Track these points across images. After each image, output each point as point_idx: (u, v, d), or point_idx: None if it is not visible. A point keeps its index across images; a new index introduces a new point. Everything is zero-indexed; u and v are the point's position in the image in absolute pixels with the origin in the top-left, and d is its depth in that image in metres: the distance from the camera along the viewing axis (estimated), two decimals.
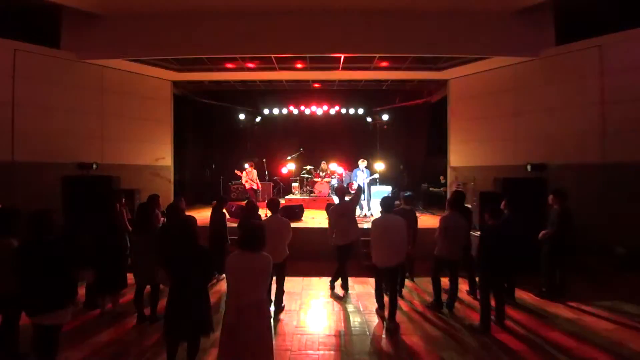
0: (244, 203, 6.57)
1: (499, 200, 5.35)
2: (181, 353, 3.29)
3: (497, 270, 4.20)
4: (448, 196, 6.80)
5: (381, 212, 4.72)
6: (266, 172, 11.63)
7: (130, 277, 4.56)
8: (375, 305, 4.83)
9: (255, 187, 10.14)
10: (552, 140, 7.60)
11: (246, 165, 10.21)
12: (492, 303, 4.26)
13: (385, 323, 4.40)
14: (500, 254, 4.15)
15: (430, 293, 5.10)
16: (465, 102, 9.40)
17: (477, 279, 4.94)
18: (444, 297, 4.93)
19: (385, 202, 4.67)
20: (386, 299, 4.68)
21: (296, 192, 11.23)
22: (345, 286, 5.58)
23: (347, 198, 5.93)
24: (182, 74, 9.47)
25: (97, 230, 4.56)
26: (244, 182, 10.19)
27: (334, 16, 7.32)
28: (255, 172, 10.29)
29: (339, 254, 5.50)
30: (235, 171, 10.30)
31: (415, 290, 5.61)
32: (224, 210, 6.34)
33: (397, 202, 5.82)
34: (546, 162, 7.27)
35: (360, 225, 6.07)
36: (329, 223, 5.57)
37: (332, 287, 5.63)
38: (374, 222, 4.63)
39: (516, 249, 4.28)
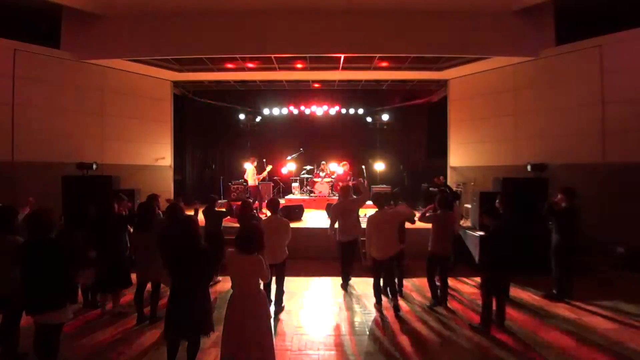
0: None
1: (494, 200, 5.39)
2: (181, 353, 3.29)
3: (498, 269, 4.20)
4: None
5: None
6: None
7: (134, 276, 4.55)
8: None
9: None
10: (552, 140, 7.59)
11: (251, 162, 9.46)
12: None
13: (391, 304, 4.74)
14: (501, 253, 4.14)
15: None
16: (465, 102, 9.39)
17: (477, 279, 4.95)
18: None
19: (378, 199, 4.90)
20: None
21: (296, 192, 11.22)
22: (345, 286, 5.58)
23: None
24: (182, 74, 9.47)
25: (97, 230, 4.56)
26: (255, 178, 9.30)
27: (334, 16, 7.32)
28: None
29: (341, 251, 5.52)
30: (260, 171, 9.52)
31: (415, 290, 5.60)
32: (224, 209, 6.33)
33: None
34: (546, 162, 7.25)
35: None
36: (330, 221, 5.63)
37: (346, 289, 5.54)
38: (369, 217, 4.80)
39: (516, 248, 4.27)
